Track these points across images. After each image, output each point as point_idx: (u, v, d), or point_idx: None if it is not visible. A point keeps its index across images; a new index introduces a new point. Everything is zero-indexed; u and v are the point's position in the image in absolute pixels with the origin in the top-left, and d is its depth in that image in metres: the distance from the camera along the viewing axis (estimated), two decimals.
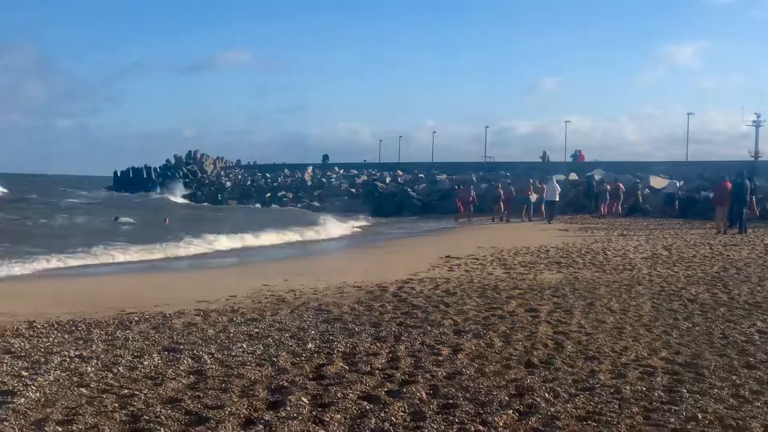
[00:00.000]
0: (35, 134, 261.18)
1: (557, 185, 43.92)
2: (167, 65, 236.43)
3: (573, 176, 54.87)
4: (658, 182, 48.45)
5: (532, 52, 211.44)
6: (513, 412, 7.69)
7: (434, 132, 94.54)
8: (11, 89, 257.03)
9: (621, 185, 45.67)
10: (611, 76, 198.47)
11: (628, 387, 8.54)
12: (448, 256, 22.55)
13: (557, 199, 43.29)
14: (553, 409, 7.79)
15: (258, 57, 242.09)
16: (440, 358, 9.85)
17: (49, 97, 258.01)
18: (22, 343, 10.47)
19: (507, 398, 8.12)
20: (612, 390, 8.43)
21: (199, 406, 7.79)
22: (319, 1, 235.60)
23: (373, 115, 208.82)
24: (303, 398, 8.04)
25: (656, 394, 8.35)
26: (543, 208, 42.95)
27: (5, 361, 9.46)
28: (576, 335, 11.30)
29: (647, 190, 47.78)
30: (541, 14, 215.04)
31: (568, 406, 7.91)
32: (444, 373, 9.07)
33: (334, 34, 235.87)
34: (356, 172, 78.76)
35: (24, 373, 8.86)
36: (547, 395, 8.21)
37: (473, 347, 10.44)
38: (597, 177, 50.42)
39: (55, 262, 22.68)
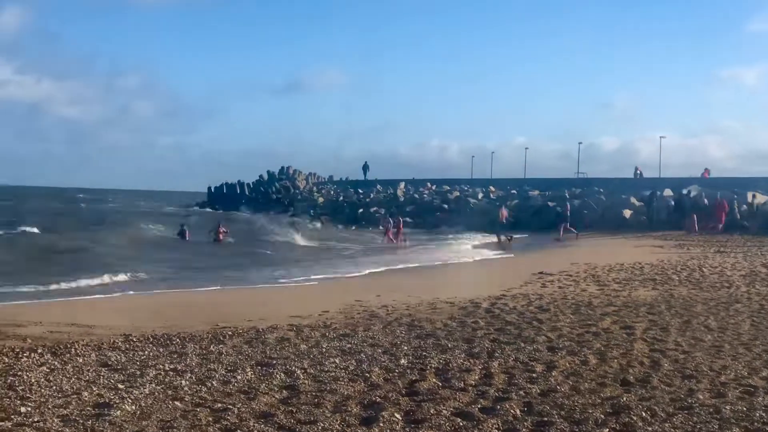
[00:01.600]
0: (138, 151, 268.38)
1: None
2: (261, 85, 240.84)
3: (668, 192, 53.98)
4: (759, 199, 47.34)
5: (605, 67, 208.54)
6: (609, 431, 7.57)
7: (527, 148, 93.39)
8: (122, 110, 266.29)
9: (725, 202, 44.77)
10: (686, 90, 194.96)
11: (728, 407, 8.35)
12: (541, 273, 22.37)
13: None
14: (650, 429, 7.65)
15: (348, 76, 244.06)
16: (534, 374, 9.75)
17: (153, 117, 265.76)
18: (119, 357, 10.63)
19: (602, 416, 8.00)
20: (711, 410, 8.24)
21: (292, 421, 7.81)
22: (405, 20, 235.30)
23: (460, 132, 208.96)
24: (396, 414, 8.01)
25: (758, 414, 8.15)
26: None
27: (102, 373, 9.61)
28: (673, 353, 11.09)
29: (744, 206, 46.79)
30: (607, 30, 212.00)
31: (666, 425, 7.75)
32: (538, 390, 8.97)
33: (421, 50, 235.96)
34: (448, 188, 78.53)
35: (120, 386, 8.99)
36: (644, 414, 8.07)
37: (567, 364, 10.32)
38: (693, 193, 49.55)
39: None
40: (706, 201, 45.39)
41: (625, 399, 8.61)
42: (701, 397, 8.77)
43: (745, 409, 8.31)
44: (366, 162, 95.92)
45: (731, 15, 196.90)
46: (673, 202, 49.78)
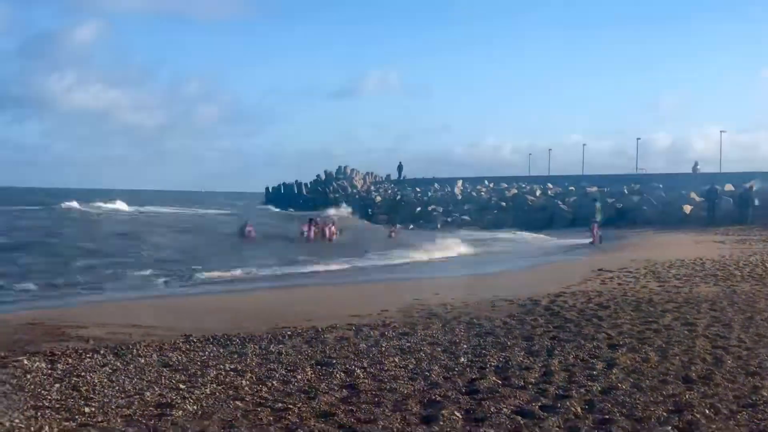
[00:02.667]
0: (198, 154, 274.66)
1: None
2: (317, 90, 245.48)
3: (728, 187, 53.27)
4: None
5: (656, 62, 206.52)
6: (672, 429, 7.49)
7: (584, 144, 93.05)
8: (185, 114, 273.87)
9: None
10: (737, 85, 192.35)
11: None
12: (600, 269, 22.21)
13: None
14: (713, 426, 7.57)
15: (403, 79, 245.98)
16: (595, 372, 9.68)
17: (214, 122, 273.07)
18: (180, 357, 10.72)
19: (665, 414, 7.92)
20: None
21: (353, 420, 7.82)
22: (458, 22, 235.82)
23: (513, 130, 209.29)
24: (456, 413, 8.00)
25: None
26: None
27: (164, 374, 9.70)
28: (736, 350, 10.95)
29: None
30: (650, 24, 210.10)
31: (730, 423, 7.67)
32: (599, 388, 8.90)
33: (473, 50, 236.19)
34: (506, 186, 78.24)
35: (182, 386, 9.06)
36: (707, 411, 7.98)
37: (628, 361, 10.23)
38: (755, 187, 48.87)
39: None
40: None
41: (687, 396, 8.52)
42: (766, 394, 8.65)
43: None
44: (400, 162, 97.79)
45: None
46: (731, 199, 49.21)
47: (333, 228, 42.93)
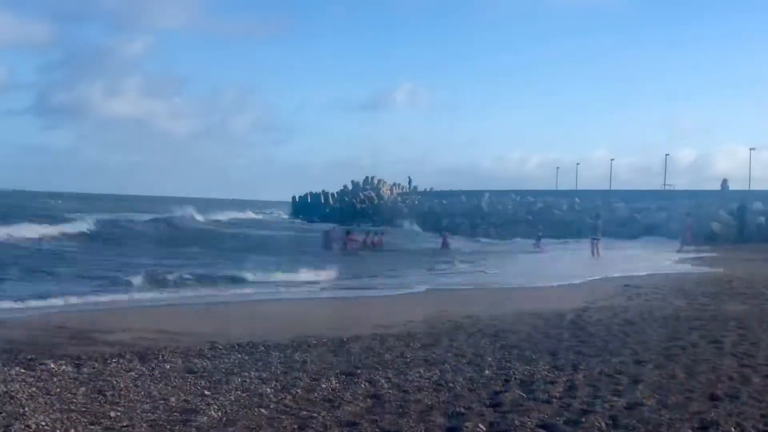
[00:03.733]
0: (228, 162, 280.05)
1: None
2: (345, 103, 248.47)
3: (758, 205, 52.99)
4: None
5: (675, 79, 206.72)
6: None
7: (612, 159, 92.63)
8: (215, 124, 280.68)
9: None
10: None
11: None
12: (626, 285, 22.12)
13: None
14: None
15: (430, 92, 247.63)
16: (620, 387, 9.63)
17: (246, 131, 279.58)
18: (205, 363, 10.77)
19: (690, 431, 7.87)
20: None
21: (377, 429, 7.83)
22: (484, 35, 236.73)
23: (540, 145, 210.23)
24: (480, 425, 7.98)
25: None
26: None
27: (188, 380, 9.75)
28: (763, 368, 10.86)
29: None
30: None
31: None
32: (624, 404, 8.85)
33: (499, 65, 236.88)
34: (533, 200, 78.16)
35: (206, 392, 9.11)
36: (732, 430, 7.92)
37: (654, 378, 10.18)
38: None
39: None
40: None
41: (713, 414, 8.45)
42: None
43: None
44: (409, 177, 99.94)
45: None
46: (762, 217, 48.95)
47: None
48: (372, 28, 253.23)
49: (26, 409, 8.13)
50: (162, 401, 8.68)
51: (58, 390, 9.00)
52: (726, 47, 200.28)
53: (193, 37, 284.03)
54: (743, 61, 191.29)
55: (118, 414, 8.12)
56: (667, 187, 77.76)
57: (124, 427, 7.72)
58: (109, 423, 7.81)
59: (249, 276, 23.97)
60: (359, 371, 10.40)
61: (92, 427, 7.69)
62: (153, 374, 10.00)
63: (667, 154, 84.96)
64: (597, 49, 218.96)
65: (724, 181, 66.94)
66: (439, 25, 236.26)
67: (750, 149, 77.12)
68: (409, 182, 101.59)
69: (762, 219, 48.81)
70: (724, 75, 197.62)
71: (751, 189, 65.04)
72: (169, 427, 7.75)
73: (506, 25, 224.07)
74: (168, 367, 10.48)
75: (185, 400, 8.76)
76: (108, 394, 8.91)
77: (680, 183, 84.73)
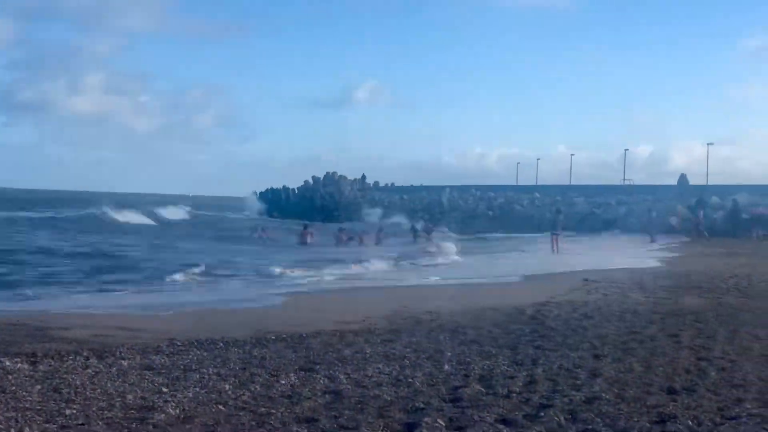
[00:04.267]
0: (189, 158, 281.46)
1: None
2: (307, 101, 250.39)
3: (715, 199, 53.54)
4: None
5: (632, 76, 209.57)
6: None
7: (572, 155, 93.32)
8: (178, 121, 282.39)
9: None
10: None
11: None
12: (586, 280, 22.24)
13: None
14: None
15: (392, 89, 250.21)
16: (578, 382, 9.66)
17: (208, 127, 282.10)
18: (163, 360, 10.70)
19: (648, 425, 7.90)
20: (759, 419, 8.11)
21: (335, 426, 7.79)
22: (445, 33, 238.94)
23: (500, 141, 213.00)
24: (439, 420, 7.97)
25: None
26: None
27: (146, 377, 9.67)
28: (720, 362, 10.94)
29: None
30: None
31: None
32: (582, 398, 8.88)
33: (459, 61, 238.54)
34: (493, 195, 78.43)
35: (164, 389, 9.03)
36: (690, 423, 7.96)
37: (612, 372, 10.22)
38: (741, 201, 49.16)
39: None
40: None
41: (670, 407, 8.49)
42: (749, 406, 8.63)
43: None
44: (363, 174, 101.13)
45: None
46: (720, 211, 49.44)
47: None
48: (335, 28, 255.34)
49: None
50: (119, 399, 8.59)
51: (13, 388, 8.88)
52: (680, 46, 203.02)
53: (158, 37, 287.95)
54: (700, 58, 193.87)
55: (74, 412, 8.02)
56: (627, 182, 78.42)
57: (79, 425, 7.63)
58: (64, 421, 7.72)
59: None
60: (318, 367, 10.37)
61: (47, 425, 7.59)
62: (110, 371, 9.90)
63: (626, 150, 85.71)
64: (555, 47, 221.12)
65: (682, 176, 67.59)
66: (400, 24, 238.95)
67: (707, 144, 78.08)
68: (363, 179, 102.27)
69: (719, 213, 49.22)
70: (679, 72, 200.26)
71: (708, 184, 65.75)
72: (125, 424, 7.67)
73: (466, 24, 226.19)
74: (125, 364, 10.39)
75: (142, 397, 8.68)
76: (64, 391, 8.80)
77: (638, 178, 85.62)
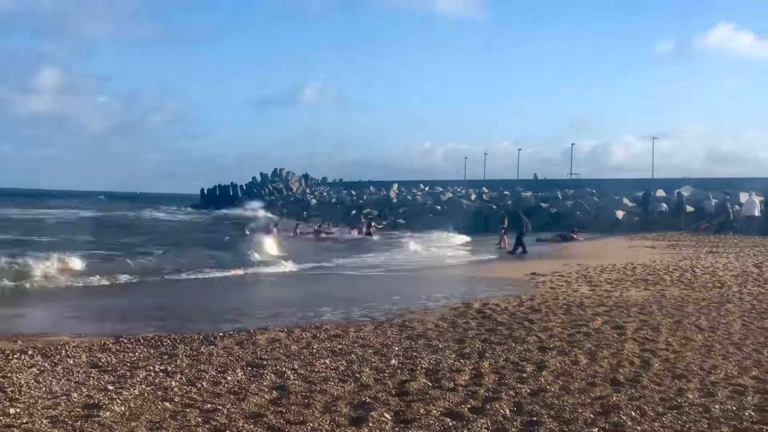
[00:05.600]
0: (138, 156, 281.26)
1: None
2: (257, 100, 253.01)
3: (660, 192, 54.12)
4: (744, 199, 47.43)
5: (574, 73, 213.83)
6: (598, 431, 7.57)
7: (519, 149, 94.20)
8: (137, 121, 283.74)
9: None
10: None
11: (717, 406, 8.35)
12: (533, 273, 22.40)
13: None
14: (639, 428, 7.65)
15: (340, 88, 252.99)
16: (524, 374, 9.75)
17: (157, 126, 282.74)
18: (109, 358, 10.64)
19: (592, 416, 8.00)
20: (701, 409, 8.25)
21: (282, 421, 7.81)
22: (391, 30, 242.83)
23: (448, 136, 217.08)
24: (386, 414, 8.01)
25: (747, 413, 8.15)
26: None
27: (92, 375, 9.61)
28: (663, 353, 11.10)
29: (737, 206, 46.83)
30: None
31: (655, 424, 7.76)
32: (528, 390, 8.97)
33: (402, 61, 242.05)
34: (441, 189, 78.69)
35: (110, 387, 8.99)
36: (633, 413, 8.07)
37: (558, 364, 10.32)
38: (686, 194, 49.74)
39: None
40: (715, 201, 46.03)
41: (614, 398, 8.61)
42: (691, 396, 8.78)
43: (734, 408, 8.31)
44: (306, 173, 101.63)
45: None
46: (664, 204, 50.02)
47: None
48: (285, 30, 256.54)
49: None
50: (64, 397, 8.53)
51: None
52: (622, 41, 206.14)
53: (115, 40, 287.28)
54: (642, 53, 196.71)
55: (18, 411, 7.96)
56: (573, 176, 79.04)
57: (24, 423, 7.57)
58: (8, 420, 7.66)
59: None
60: (266, 363, 10.36)
61: None
62: (55, 370, 9.83)
63: (572, 144, 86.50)
64: (499, 44, 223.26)
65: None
66: (347, 26, 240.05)
67: (653, 138, 79.05)
68: (306, 177, 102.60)
69: (664, 206, 49.74)
70: (622, 67, 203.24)
71: (653, 177, 66.47)
72: (70, 422, 7.61)
73: (409, 23, 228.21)
74: (72, 362, 10.33)
75: (88, 396, 8.62)
76: (8, 390, 8.73)
77: (583, 172, 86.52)
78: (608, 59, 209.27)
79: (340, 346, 11.54)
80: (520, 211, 40.05)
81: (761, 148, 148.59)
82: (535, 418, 7.92)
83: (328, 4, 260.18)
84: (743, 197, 47.39)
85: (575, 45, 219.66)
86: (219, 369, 10.01)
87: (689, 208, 47.59)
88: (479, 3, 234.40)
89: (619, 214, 51.15)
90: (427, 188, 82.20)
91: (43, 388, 8.89)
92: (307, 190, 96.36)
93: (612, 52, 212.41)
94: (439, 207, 68.44)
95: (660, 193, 54.08)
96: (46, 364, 10.11)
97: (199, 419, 7.83)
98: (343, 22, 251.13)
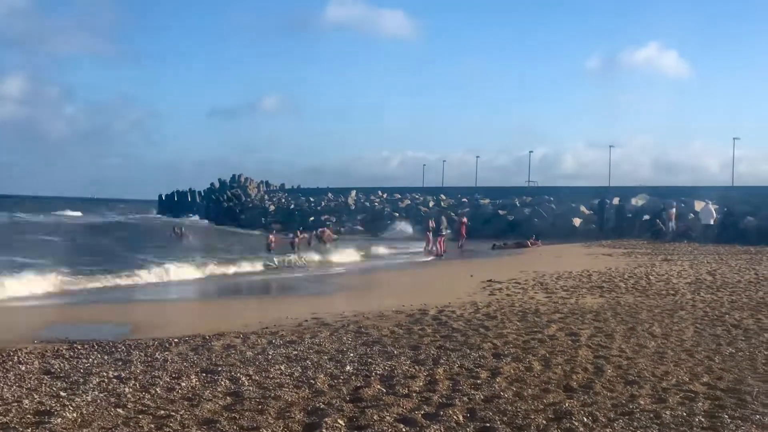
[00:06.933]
0: (95, 161, 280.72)
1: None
2: (217, 109, 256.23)
3: (616, 200, 54.54)
4: (699, 207, 47.99)
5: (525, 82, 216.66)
6: None
7: (477, 156, 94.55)
8: (101, 128, 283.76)
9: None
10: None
11: (668, 412, 8.44)
12: (490, 280, 22.47)
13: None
14: None
15: (296, 98, 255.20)
16: (478, 381, 9.79)
17: (123, 131, 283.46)
18: (62, 364, 10.56)
19: (545, 422, 8.05)
20: (652, 415, 8.33)
21: (235, 427, 7.80)
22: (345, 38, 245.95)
23: (405, 144, 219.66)
24: (339, 420, 8.02)
25: (697, 419, 8.24)
26: None
27: (44, 381, 9.54)
28: (616, 360, 11.19)
29: (691, 215, 47.33)
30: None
31: (607, 430, 7.83)
32: (482, 397, 9.00)
33: (359, 72, 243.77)
34: (399, 196, 78.80)
35: (62, 394, 8.93)
36: (585, 419, 8.13)
37: (512, 371, 10.37)
38: (640, 202, 50.20)
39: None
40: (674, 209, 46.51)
41: (567, 405, 8.67)
42: (642, 402, 8.86)
43: (685, 414, 8.40)
44: (266, 180, 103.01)
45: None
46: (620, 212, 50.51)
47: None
48: (243, 42, 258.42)
49: None
50: (15, 404, 8.47)
51: None
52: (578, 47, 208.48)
53: (80, 54, 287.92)
54: (601, 58, 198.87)
55: None
56: (531, 184, 79.45)
57: None
58: None
59: None
60: (220, 369, 10.33)
61: None
62: (7, 376, 9.75)
63: (530, 152, 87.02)
64: (453, 50, 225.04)
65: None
66: (302, 39, 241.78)
67: (609, 146, 79.68)
68: (266, 184, 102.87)
69: (621, 214, 50.22)
70: (580, 73, 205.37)
71: (610, 185, 66.97)
72: (21, 429, 7.56)
73: (360, 43, 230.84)
74: (24, 368, 10.24)
75: (40, 402, 8.57)
76: None
77: (536, 180, 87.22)
78: (545, 73, 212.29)
79: (296, 353, 11.53)
80: (442, 216, 41.75)
81: (706, 156, 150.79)
82: (488, 424, 7.96)
83: (281, 26, 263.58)
84: (698, 205, 47.91)
85: (513, 58, 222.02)
86: (173, 375, 9.97)
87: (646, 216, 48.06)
88: (418, 26, 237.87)
89: (576, 221, 51.52)
90: (385, 195, 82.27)
91: None
92: (266, 197, 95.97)
93: (548, 66, 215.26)
94: (398, 214, 68.58)
95: (616, 201, 54.50)
96: None
97: (152, 425, 7.80)
98: (295, 41, 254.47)
